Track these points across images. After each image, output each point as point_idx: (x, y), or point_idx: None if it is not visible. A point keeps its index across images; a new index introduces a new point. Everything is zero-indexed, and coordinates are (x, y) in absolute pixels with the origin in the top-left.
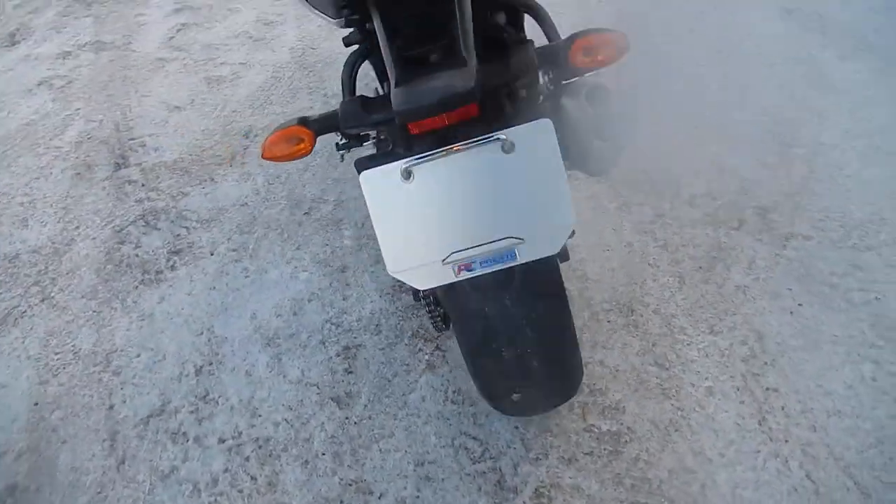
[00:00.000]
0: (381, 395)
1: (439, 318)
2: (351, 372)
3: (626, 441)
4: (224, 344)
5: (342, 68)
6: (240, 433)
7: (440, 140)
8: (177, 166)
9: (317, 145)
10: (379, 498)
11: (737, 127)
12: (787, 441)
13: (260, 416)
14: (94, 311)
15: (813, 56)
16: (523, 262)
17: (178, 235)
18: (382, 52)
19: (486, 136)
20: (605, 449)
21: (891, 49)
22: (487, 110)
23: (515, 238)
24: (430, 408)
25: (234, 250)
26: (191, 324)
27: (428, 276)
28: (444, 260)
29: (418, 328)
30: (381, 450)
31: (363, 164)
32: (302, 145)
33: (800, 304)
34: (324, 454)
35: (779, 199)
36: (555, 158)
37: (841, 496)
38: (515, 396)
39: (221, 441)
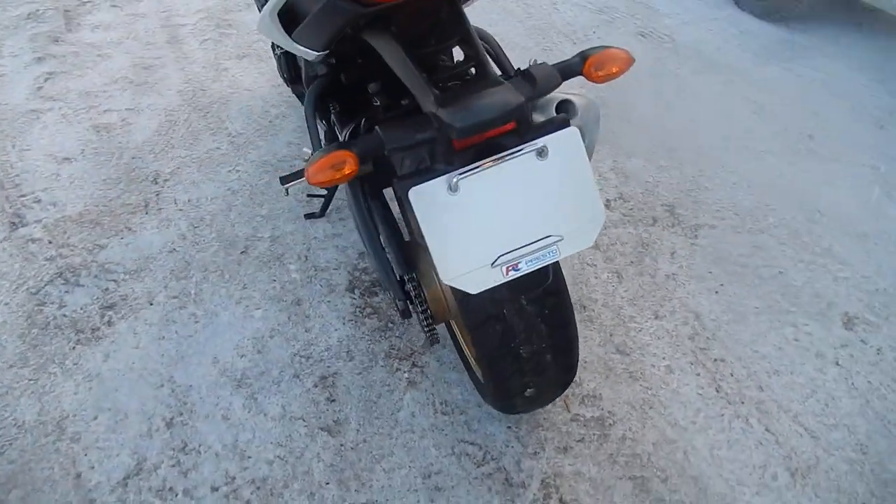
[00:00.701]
0: (370, 417)
1: (435, 333)
2: (333, 400)
3: (610, 424)
4: (190, 392)
5: (304, 108)
6: (232, 478)
7: (479, 153)
8: (84, 219)
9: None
10: None
11: (627, 136)
12: (742, 402)
13: (249, 457)
14: (30, 380)
15: (672, 72)
16: (563, 257)
17: (107, 289)
18: (403, 78)
19: (526, 145)
20: (593, 434)
21: (732, 65)
22: (520, 123)
23: (555, 236)
24: (422, 422)
25: (174, 297)
26: (147, 377)
27: (480, 280)
28: (493, 263)
29: (390, 349)
30: (384, 469)
31: (407, 182)
32: (347, 169)
33: (721, 284)
34: (328, 483)
35: (679, 196)
36: (583, 161)
37: (796, 442)
38: (529, 392)
39: (214, 489)
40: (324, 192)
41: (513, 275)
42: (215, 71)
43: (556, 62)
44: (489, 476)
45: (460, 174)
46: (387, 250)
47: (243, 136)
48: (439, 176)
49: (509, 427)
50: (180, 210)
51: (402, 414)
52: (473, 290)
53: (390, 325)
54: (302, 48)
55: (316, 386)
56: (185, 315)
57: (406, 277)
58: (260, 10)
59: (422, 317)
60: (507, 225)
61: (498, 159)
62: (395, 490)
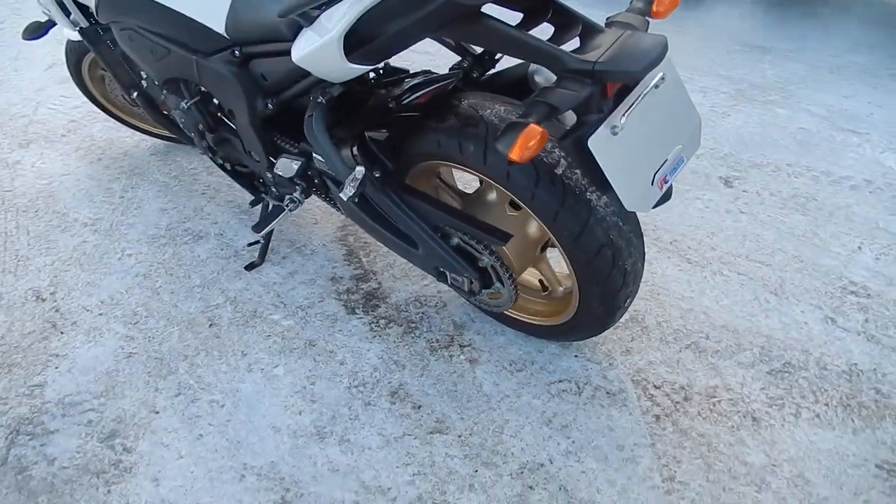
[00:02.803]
0: (463, 403)
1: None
2: (419, 406)
3: (642, 318)
4: (278, 467)
5: (316, 138)
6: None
7: (620, 94)
8: None
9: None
10: (550, 464)
11: None
12: (710, 263)
13: (389, 488)
14: None
15: None
16: (687, 162)
17: (91, 421)
18: (524, 54)
19: (654, 77)
20: (636, 330)
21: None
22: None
23: (680, 145)
24: (508, 386)
25: (176, 395)
26: (220, 477)
27: (651, 198)
28: (651, 182)
29: (429, 344)
30: (511, 436)
31: (577, 136)
32: (542, 137)
33: None
34: (476, 471)
35: None
36: (679, 79)
37: (756, 273)
38: (627, 302)
39: None
40: (259, 240)
41: (665, 188)
42: (6, 168)
43: (626, 8)
44: (592, 398)
45: (622, 115)
46: (452, 232)
47: (103, 220)
48: (600, 123)
49: (576, 356)
50: (100, 315)
51: (486, 388)
52: (648, 210)
53: (411, 324)
54: (357, 66)
55: (393, 403)
56: (204, 406)
57: (489, 252)
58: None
59: (509, 282)
60: (653, 147)
61: (642, 95)
62: (534, 445)
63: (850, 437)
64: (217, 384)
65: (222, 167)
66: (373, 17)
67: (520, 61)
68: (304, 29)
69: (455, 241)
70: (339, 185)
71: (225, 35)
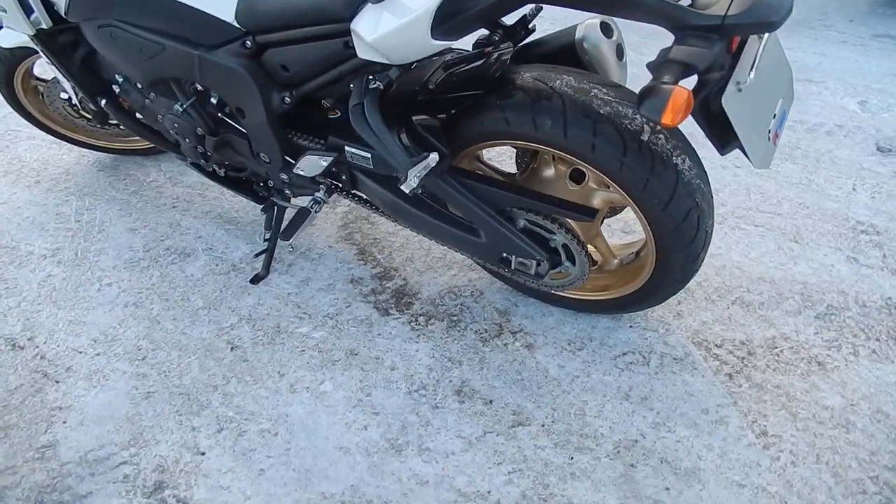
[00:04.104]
0: (535, 391)
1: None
2: (491, 401)
3: None
4: (360, 490)
5: (373, 128)
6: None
7: (738, 51)
8: None
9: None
10: (643, 438)
11: None
12: (726, 219)
13: (489, 492)
14: None
15: None
16: (789, 115)
17: (127, 476)
18: (643, 12)
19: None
20: (680, 295)
21: None
22: None
23: (783, 98)
24: (573, 366)
25: (220, 431)
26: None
27: (770, 155)
28: (768, 138)
29: (478, 336)
30: (595, 415)
31: (709, 96)
32: (688, 97)
33: None
34: (571, 458)
35: None
36: (775, 35)
37: (776, 223)
38: (699, 264)
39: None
40: (264, 246)
41: (777, 142)
42: None
43: None
44: (661, 366)
45: (750, 70)
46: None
47: (63, 249)
48: (726, 80)
49: (631, 327)
50: (97, 355)
51: (553, 371)
52: (768, 167)
53: (453, 318)
54: (440, 43)
55: (462, 402)
56: (254, 437)
57: (564, 230)
58: None
59: (584, 256)
60: (766, 101)
61: (761, 48)
62: (621, 423)
63: None
64: (262, 411)
65: (212, 175)
66: None
67: (559, 29)
68: (370, 7)
69: (521, 223)
70: (384, 178)
71: (235, 24)
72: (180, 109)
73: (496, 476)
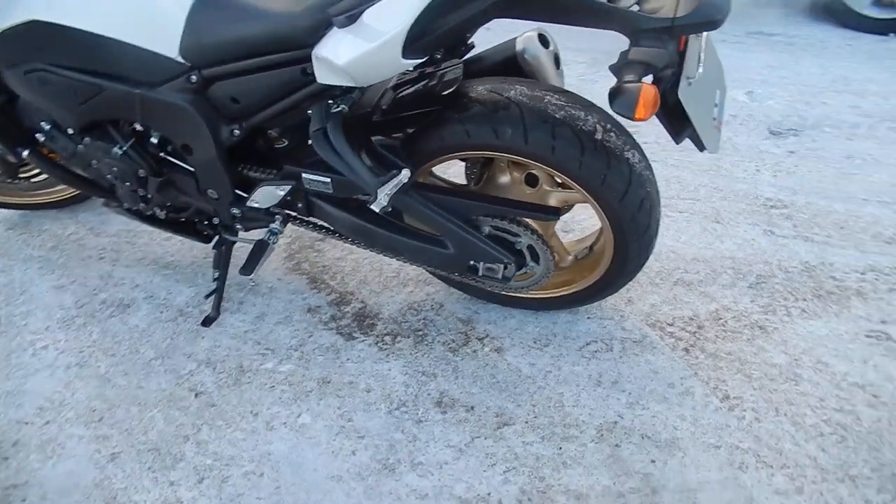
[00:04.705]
0: (511, 391)
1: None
2: (472, 407)
3: None
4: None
5: (336, 151)
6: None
7: (684, 50)
8: None
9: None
10: (621, 419)
11: None
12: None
13: (489, 493)
14: None
15: None
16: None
17: None
18: (596, 18)
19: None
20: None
21: None
22: None
23: (720, 90)
24: (544, 362)
25: (200, 482)
26: None
27: (717, 140)
28: (713, 125)
29: (445, 347)
30: (573, 404)
31: (660, 87)
32: (655, 92)
33: None
34: (560, 448)
35: None
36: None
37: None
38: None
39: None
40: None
41: (721, 128)
42: None
43: None
44: (623, 350)
45: (698, 65)
46: (485, 221)
47: None
48: (678, 76)
49: (589, 318)
50: (46, 423)
51: (525, 370)
52: (717, 151)
53: (418, 333)
54: (408, 62)
55: (444, 412)
56: (239, 482)
57: (530, 232)
58: None
59: (549, 254)
60: (709, 92)
61: (704, 44)
62: (598, 408)
63: (835, 320)
64: (242, 454)
65: (151, 220)
66: (435, 6)
67: (497, 44)
68: (336, 32)
69: (487, 229)
70: (343, 202)
71: (179, 60)
72: (119, 152)
73: (492, 477)
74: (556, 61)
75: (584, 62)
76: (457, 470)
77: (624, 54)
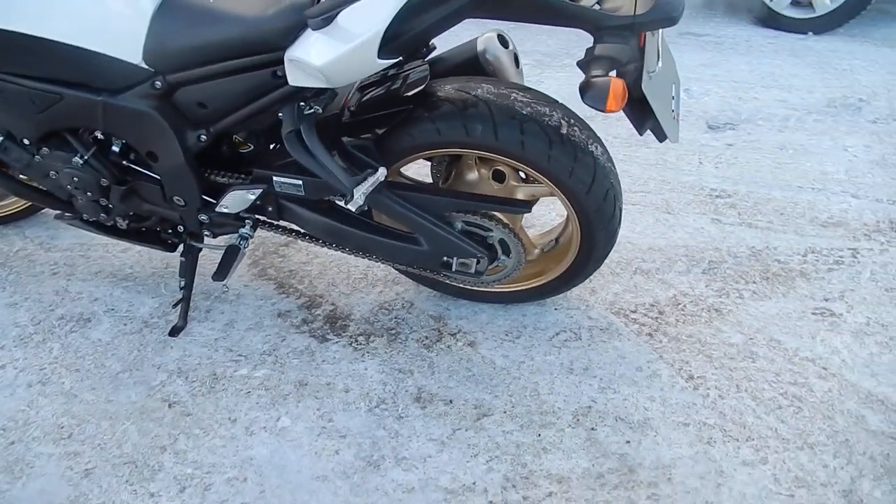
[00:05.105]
0: (487, 384)
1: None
2: (450, 401)
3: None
4: None
5: (312, 154)
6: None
7: (643, 46)
8: None
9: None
10: (594, 403)
11: None
12: None
13: (474, 483)
14: None
15: None
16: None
17: None
18: (560, 16)
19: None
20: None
21: None
22: None
23: (675, 83)
24: (517, 353)
25: (182, 491)
26: None
27: (677, 130)
28: (674, 117)
29: (419, 345)
30: (548, 392)
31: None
32: (623, 85)
33: None
34: (539, 435)
35: None
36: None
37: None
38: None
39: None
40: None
41: (679, 119)
42: None
43: None
44: (591, 338)
45: (658, 60)
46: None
47: None
48: (640, 70)
49: (556, 309)
50: (11, 444)
51: (499, 362)
52: (678, 141)
53: (391, 332)
54: (384, 62)
55: (424, 407)
56: (222, 488)
57: (502, 226)
58: None
59: (520, 246)
60: (667, 85)
61: (661, 40)
62: (571, 392)
63: (783, 300)
64: (223, 461)
65: (112, 230)
66: (412, 7)
67: (458, 45)
68: (310, 34)
69: (459, 225)
70: (315, 204)
71: (142, 66)
72: (80, 162)
73: (476, 467)
74: (516, 60)
75: (529, 63)
76: (441, 462)
77: (590, 51)
